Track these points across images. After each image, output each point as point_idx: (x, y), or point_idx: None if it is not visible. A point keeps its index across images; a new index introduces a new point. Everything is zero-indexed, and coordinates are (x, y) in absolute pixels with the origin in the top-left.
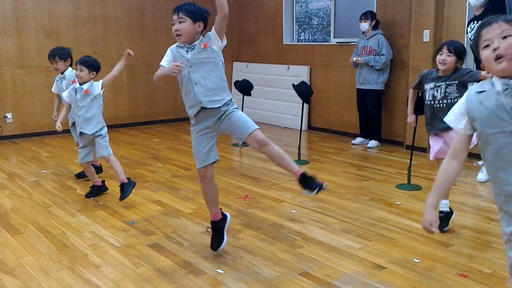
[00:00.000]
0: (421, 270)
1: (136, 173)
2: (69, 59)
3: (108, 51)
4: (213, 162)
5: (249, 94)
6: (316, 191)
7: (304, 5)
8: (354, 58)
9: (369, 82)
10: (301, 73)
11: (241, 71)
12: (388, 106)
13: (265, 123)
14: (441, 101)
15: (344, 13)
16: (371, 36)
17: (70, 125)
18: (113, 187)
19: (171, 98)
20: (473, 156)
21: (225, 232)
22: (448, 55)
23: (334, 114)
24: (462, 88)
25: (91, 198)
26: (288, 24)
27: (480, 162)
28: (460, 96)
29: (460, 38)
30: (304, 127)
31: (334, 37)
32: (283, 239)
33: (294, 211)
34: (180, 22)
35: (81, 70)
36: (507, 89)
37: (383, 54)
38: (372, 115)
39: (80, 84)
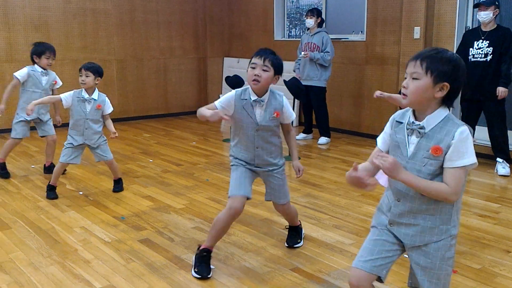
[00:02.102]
0: None
1: (126, 168)
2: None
3: (98, 45)
4: (247, 198)
5: None
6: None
7: (295, 1)
8: (302, 53)
9: (312, 79)
10: (292, 69)
11: (232, 66)
12: (377, 102)
13: None
14: None
15: (335, 9)
16: (315, 33)
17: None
18: (102, 182)
19: (161, 93)
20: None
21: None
22: None
23: None
24: None
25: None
26: (279, 20)
27: (500, 159)
28: None
29: (450, 35)
30: (295, 123)
31: None
32: (274, 235)
33: None
34: (263, 70)
35: (86, 76)
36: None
37: (328, 52)
38: (317, 112)
39: (86, 90)
